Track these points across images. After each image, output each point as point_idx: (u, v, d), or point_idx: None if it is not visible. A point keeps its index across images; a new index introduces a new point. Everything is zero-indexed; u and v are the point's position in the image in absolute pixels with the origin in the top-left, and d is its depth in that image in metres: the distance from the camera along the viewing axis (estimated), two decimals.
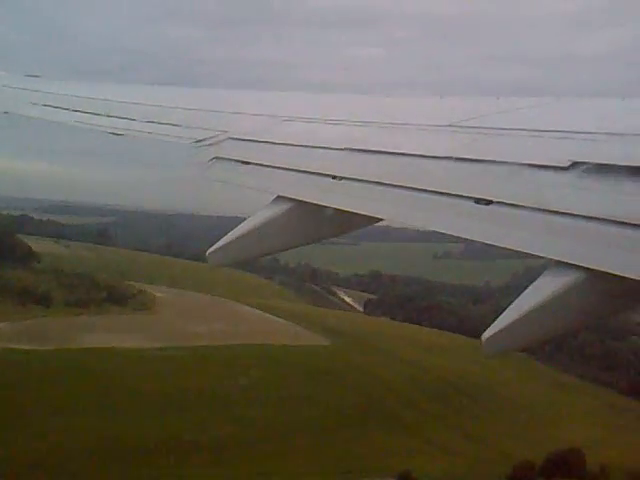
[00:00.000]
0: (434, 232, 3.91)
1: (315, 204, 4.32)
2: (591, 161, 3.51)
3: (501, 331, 2.95)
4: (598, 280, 2.90)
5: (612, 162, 3.47)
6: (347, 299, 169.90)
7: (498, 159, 3.92)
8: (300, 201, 4.40)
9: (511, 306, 3.03)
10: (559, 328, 3.18)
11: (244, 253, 4.52)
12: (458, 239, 3.76)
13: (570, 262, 2.96)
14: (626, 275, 2.72)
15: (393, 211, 4.04)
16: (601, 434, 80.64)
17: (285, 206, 4.44)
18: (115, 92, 9.19)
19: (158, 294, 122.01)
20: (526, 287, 3.10)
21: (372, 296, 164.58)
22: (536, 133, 4.33)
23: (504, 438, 77.63)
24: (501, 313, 3.01)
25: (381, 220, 4.16)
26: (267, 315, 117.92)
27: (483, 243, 3.45)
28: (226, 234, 4.41)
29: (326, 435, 72.15)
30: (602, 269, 2.82)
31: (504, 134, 4.49)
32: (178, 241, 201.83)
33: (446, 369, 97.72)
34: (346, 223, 4.60)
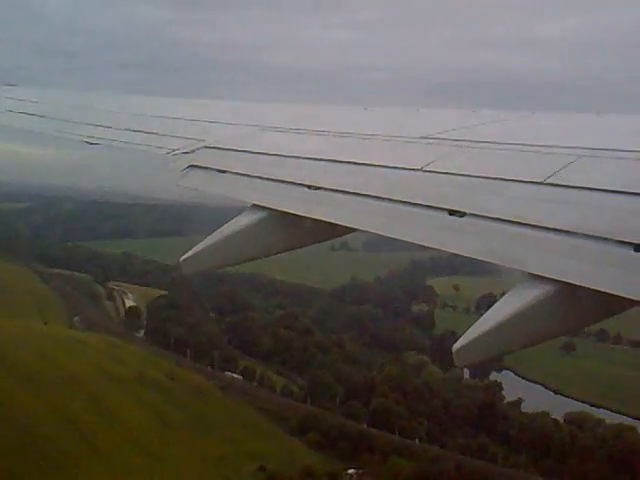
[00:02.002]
0: None
1: (290, 213, 4.34)
2: (562, 175, 3.57)
3: (471, 342, 2.98)
4: (569, 293, 2.94)
5: (584, 177, 3.54)
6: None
7: (472, 172, 3.96)
8: (275, 210, 4.43)
9: (482, 317, 3.07)
10: (529, 339, 3.20)
11: (218, 260, 4.53)
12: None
13: (543, 275, 2.99)
14: (597, 288, 2.77)
15: (367, 222, 4.05)
16: None
17: (260, 215, 4.47)
18: (91, 100, 9.28)
19: None
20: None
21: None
22: (511, 146, 4.39)
23: None
24: None
25: (355, 230, 4.18)
26: None
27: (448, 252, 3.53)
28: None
29: None
30: (574, 282, 2.86)
31: (479, 147, 4.54)
32: None
33: None
34: (320, 232, 4.60)
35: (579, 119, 5.44)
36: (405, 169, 4.35)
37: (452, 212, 3.61)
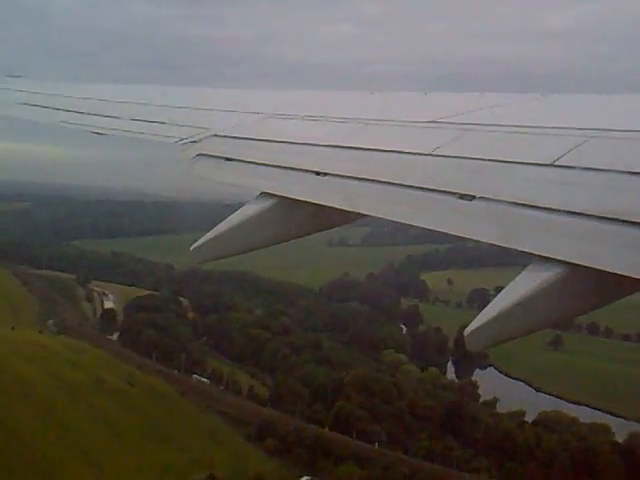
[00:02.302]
0: None
1: (299, 200, 4.32)
2: (575, 157, 3.55)
3: (482, 326, 2.96)
4: (580, 275, 2.93)
5: (595, 158, 3.50)
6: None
7: (481, 155, 3.94)
8: (284, 197, 4.41)
9: (494, 301, 3.03)
10: (541, 322, 3.16)
11: (228, 249, 4.45)
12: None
13: (553, 257, 2.99)
14: (608, 269, 2.76)
15: (377, 207, 4.01)
16: None
17: (269, 202, 4.44)
18: (97, 91, 9.25)
19: None
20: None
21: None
22: (520, 129, 4.37)
23: None
24: None
25: (365, 216, 4.14)
26: None
27: (459, 236, 3.46)
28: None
29: None
30: (584, 264, 2.86)
31: (487, 130, 4.52)
32: None
33: None
34: (330, 219, 4.60)
35: (588, 100, 5.42)
36: (414, 153, 4.33)
37: (462, 196, 3.59)
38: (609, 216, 2.94)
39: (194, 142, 5.76)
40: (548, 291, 2.97)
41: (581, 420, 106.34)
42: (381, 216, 3.96)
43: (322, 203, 4.21)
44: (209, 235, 4.33)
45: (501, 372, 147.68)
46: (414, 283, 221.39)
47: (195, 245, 4.31)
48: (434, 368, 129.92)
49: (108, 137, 6.99)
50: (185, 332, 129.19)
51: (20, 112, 8.65)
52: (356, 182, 4.20)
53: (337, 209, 4.15)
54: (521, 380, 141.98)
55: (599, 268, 2.78)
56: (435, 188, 3.74)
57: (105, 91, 9.28)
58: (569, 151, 3.65)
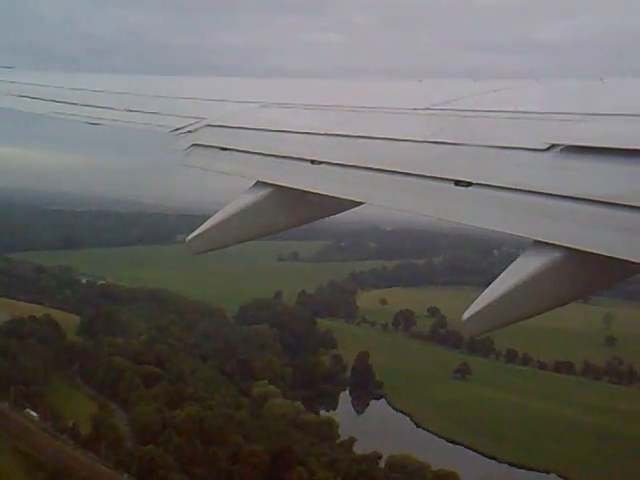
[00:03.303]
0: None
1: (295, 189, 4.32)
2: (569, 142, 3.55)
3: (480, 311, 2.98)
4: (576, 259, 2.97)
5: (590, 143, 3.50)
6: None
7: (477, 141, 3.95)
8: (280, 186, 4.41)
9: (491, 285, 3.05)
10: (538, 307, 3.19)
11: (224, 239, 4.44)
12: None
13: (549, 242, 3.02)
14: (604, 253, 2.79)
15: (373, 195, 4.03)
16: None
17: (265, 191, 4.44)
18: (91, 81, 9.16)
19: None
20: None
21: None
22: (515, 114, 4.36)
23: None
24: None
25: (361, 204, 4.15)
26: None
27: (460, 223, 3.43)
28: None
29: None
30: (580, 248, 2.89)
31: (482, 116, 4.53)
32: None
33: None
34: (326, 207, 4.60)
35: (582, 84, 5.40)
36: (409, 140, 4.32)
37: (458, 182, 3.59)
38: (606, 200, 2.94)
39: (189, 132, 5.70)
40: (545, 275, 2.99)
41: (439, 464, 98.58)
42: (377, 203, 3.93)
43: (318, 191, 4.20)
44: (205, 226, 4.29)
45: (389, 403, 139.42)
46: (345, 303, 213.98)
47: (191, 236, 4.28)
48: (299, 402, 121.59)
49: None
50: (33, 361, 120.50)
51: (12, 103, 8.50)
52: (352, 170, 4.18)
53: (333, 197, 4.14)
54: (407, 414, 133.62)
55: (597, 252, 2.78)
56: (431, 175, 3.73)
57: (97, 81, 9.19)
58: (564, 135, 3.63)
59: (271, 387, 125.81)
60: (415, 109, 4.95)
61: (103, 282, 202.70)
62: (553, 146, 3.51)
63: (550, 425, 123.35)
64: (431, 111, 4.78)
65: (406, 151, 4.17)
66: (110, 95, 7.85)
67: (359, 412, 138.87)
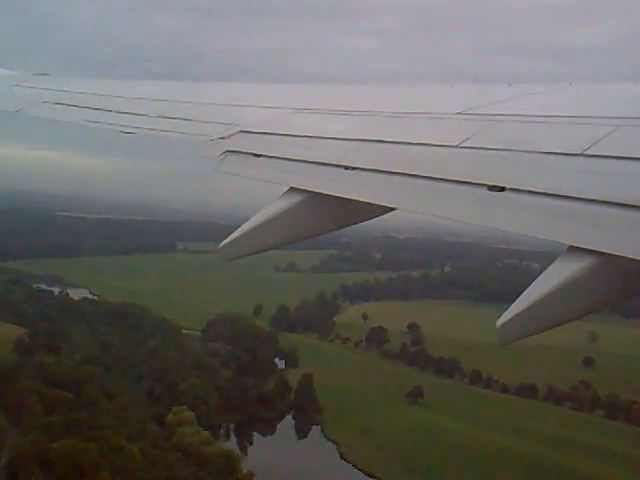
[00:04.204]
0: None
1: (328, 195, 4.30)
2: (605, 146, 3.53)
3: (515, 317, 2.96)
4: (612, 264, 2.96)
5: (626, 147, 3.49)
6: None
7: (510, 146, 3.93)
8: (313, 192, 4.39)
9: (525, 292, 3.04)
10: (573, 313, 3.17)
11: (257, 246, 4.42)
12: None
13: (584, 247, 3.00)
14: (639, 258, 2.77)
15: (406, 200, 4.01)
16: None
17: (298, 197, 4.42)
18: (123, 88, 9.07)
19: None
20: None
21: None
22: (549, 119, 4.33)
23: None
24: None
25: (394, 210, 4.14)
26: None
27: (489, 227, 3.43)
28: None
29: None
30: (616, 253, 2.87)
31: (516, 120, 4.50)
32: None
33: None
34: (359, 213, 4.59)
35: (617, 89, 5.38)
36: (442, 146, 4.32)
37: (491, 187, 3.58)
38: None
39: (222, 138, 5.67)
40: (580, 281, 2.97)
41: None
42: (411, 209, 3.91)
43: (352, 197, 4.16)
44: (238, 232, 4.28)
45: (324, 431, 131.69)
46: (325, 317, 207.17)
47: (225, 242, 4.27)
48: (207, 432, 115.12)
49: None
50: None
51: (47, 111, 8.39)
52: (384, 176, 4.16)
53: (366, 203, 4.11)
54: (336, 443, 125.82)
55: (632, 257, 2.77)
56: (465, 180, 3.70)
57: (128, 88, 9.07)
58: (599, 140, 3.61)
59: (187, 413, 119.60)
60: (448, 114, 4.94)
61: (88, 295, 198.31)
62: (588, 149, 3.48)
63: (488, 458, 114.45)
64: (463, 116, 4.78)
65: (439, 156, 4.16)
66: (142, 102, 7.87)
67: (300, 438, 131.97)
